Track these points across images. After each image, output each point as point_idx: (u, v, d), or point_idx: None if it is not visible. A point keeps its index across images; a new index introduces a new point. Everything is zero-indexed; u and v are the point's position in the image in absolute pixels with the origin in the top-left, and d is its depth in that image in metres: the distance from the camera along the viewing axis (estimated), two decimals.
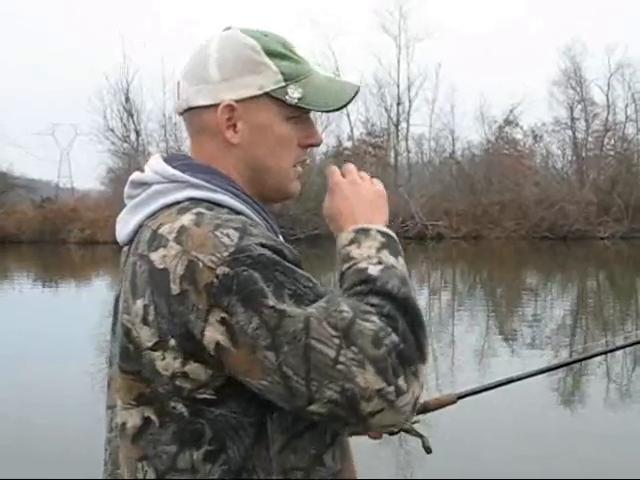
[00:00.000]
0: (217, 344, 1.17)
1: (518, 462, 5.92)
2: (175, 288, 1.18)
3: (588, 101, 45.86)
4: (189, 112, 1.36)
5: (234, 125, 1.32)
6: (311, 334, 1.15)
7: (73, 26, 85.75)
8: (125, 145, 44.33)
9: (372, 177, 1.41)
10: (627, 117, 45.33)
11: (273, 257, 1.18)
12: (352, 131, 46.27)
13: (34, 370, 9.58)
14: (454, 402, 1.83)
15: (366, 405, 1.16)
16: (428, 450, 1.72)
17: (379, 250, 1.27)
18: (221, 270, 1.16)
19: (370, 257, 1.26)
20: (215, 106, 1.32)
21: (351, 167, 1.41)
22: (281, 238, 1.37)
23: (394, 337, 1.17)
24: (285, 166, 1.36)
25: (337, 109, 1.35)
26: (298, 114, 1.35)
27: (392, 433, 1.60)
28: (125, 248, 1.40)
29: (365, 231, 1.30)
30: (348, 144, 46.56)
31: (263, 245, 1.19)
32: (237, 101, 1.31)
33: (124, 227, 1.35)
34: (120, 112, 44.21)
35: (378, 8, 55.61)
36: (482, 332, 12.46)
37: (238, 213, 1.28)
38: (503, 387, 1.87)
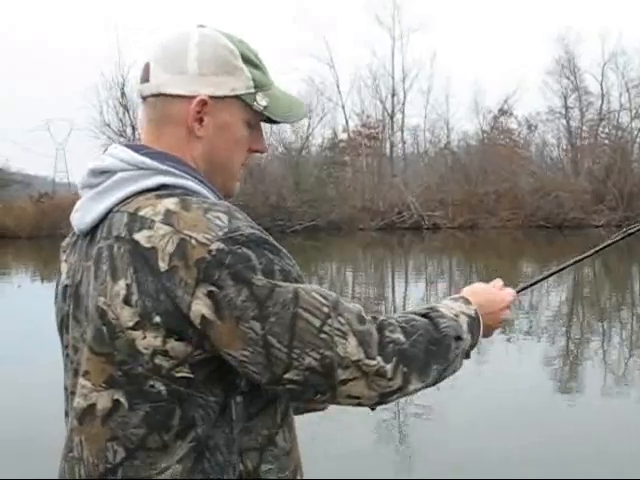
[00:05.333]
0: (203, 317, 1.22)
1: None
2: (163, 265, 1.23)
3: (582, 90, 46.02)
4: (157, 97, 1.39)
5: (201, 119, 1.38)
6: (300, 303, 1.24)
7: (68, 21, 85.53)
8: (122, 139, 44.25)
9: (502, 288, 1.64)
10: (621, 105, 45.60)
11: (262, 236, 1.27)
12: (347, 123, 46.22)
13: (34, 367, 9.60)
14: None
15: (341, 372, 1.25)
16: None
17: (464, 314, 1.47)
18: (216, 245, 1.22)
19: (453, 308, 1.47)
20: (189, 98, 1.37)
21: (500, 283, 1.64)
22: None
23: (400, 337, 1.32)
24: (236, 166, 1.45)
25: (292, 122, 1.52)
26: (256, 121, 1.44)
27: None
28: (66, 242, 1.49)
29: (467, 301, 1.51)
30: (343, 136, 46.41)
31: (251, 227, 1.27)
32: (210, 97, 1.37)
33: (86, 214, 1.37)
34: (116, 107, 44.25)
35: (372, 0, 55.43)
36: None
37: None
38: None
